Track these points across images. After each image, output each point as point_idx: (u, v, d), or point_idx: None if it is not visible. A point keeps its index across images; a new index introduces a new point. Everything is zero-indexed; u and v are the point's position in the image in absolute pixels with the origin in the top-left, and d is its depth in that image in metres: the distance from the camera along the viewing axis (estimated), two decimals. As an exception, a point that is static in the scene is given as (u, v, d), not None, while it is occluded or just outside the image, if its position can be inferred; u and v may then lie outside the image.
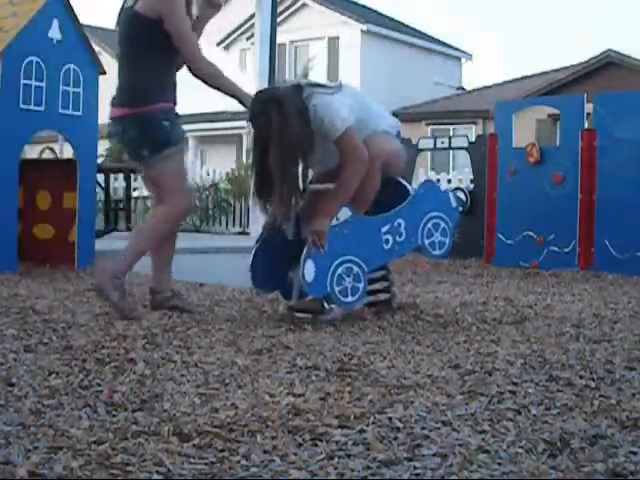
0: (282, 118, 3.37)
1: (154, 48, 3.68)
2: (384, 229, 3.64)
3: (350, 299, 3.53)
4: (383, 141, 3.64)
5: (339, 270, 3.49)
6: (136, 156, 3.81)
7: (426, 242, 3.76)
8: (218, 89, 3.85)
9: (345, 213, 3.54)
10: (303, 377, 2.45)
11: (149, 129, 3.68)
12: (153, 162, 3.71)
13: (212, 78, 3.83)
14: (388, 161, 3.64)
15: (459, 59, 27.66)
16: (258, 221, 10.38)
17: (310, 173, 3.70)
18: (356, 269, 3.53)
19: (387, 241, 3.65)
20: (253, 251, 3.75)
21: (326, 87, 3.60)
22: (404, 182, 3.85)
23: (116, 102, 3.76)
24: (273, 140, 3.37)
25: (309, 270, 3.42)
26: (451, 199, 3.90)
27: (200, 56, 3.80)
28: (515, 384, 2.39)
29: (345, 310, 3.71)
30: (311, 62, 23.18)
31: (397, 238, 3.67)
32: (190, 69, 3.82)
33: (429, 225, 3.76)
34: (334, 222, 3.51)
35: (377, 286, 3.89)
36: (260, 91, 3.65)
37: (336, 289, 3.48)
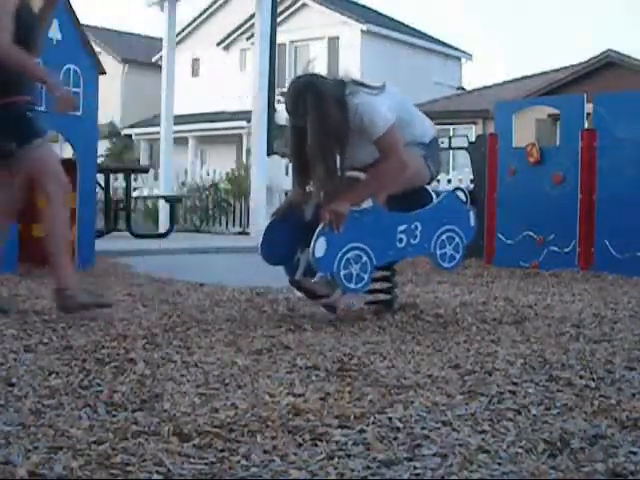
0: (318, 101, 3.43)
1: None
2: (401, 228, 3.66)
3: (353, 286, 3.53)
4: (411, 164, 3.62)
5: (349, 254, 3.50)
6: (3, 152, 3.63)
7: (438, 252, 3.78)
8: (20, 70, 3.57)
9: (367, 201, 3.55)
10: (303, 377, 2.45)
11: (15, 121, 3.57)
12: (24, 154, 3.58)
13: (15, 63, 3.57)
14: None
15: (459, 59, 27.67)
16: (258, 221, 10.40)
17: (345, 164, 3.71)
18: (365, 258, 3.54)
19: (401, 240, 3.67)
20: (268, 223, 3.82)
21: (370, 87, 3.62)
22: (429, 189, 3.87)
23: None
24: (310, 122, 3.43)
25: (320, 247, 3.44)
26: (471, 217, 3.90)
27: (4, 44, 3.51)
28: (515, 384, 2.39)
29: (345, 305, 3.72)
30: (312, 63, 23.17)
31: (411, 240, 3.69)
32: None
33: (444, 237, 3.78)
34: (355, 207, 3.53)
35: (377, 286, 3.89)
36: (298, 77, 3.69)
37: (342, 272, 3.48)
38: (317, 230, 3.45)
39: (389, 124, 3.51)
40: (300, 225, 3.74)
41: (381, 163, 3.54)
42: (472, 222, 3.91)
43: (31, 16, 3.70)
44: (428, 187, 3.90)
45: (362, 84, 3.62)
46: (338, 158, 3.54)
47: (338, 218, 3.46)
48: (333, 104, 3.46)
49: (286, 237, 3.76)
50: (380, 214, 3.60)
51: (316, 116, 3.42)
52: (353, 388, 2.30)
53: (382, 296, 3.93)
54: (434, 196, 3.84)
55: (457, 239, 3.82)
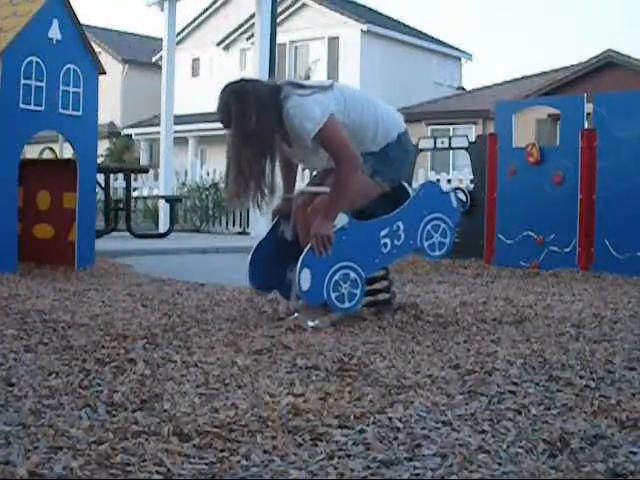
0: (240, 106, 3.30)
1: None
2: (383, 233, 3.61)
3: (347, 305, 3.50)
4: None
5: (336, 277, 3.46)
6: None
7: (425, 244, 3.73)
8: None
9: (343, 219, 3.49)
10: (303, 377, 2.45)
11: None
12: None
13: None
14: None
15: (459, 59, 27.68)
16: (258, 221, 10.39)
17: (277, 168, 3.56)
18: (353, 275, 3.50)
19: (385, 245, 3.62)
20: (251, 252, 3.75)
21: (305, 88, 3.46)
22: (404, 183, 3.81)
23: None
24: (232, 127, 3.33)
25: (305, 279, 3.39)
26: (452, 199, 3.84)
27: None
28: (515, 384, 2.39)
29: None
30: (314, 65, 23.20)
31: (395, 242, 3.64)
32: None
33: (428, 227, 3.73)
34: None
35: (377, 286, 3.89)
36: (228, 83, 3.50)
37: (332, 295, 3.45)
38: (299, 262, 3.39)
39: (320, 123, 3.33)
40: (283, 244, 3.68)
41: (335, 166, 3.42)
42: (454, 204, 3.84)
43: None
44: (404, 183, 3.83)
45: (298, 86, 3.47)
46: (268, 164, 3.37)
47: (324, 240, 3.40)
48: (261, 109, 3.30)
49: (272, 261, 3.70)
50: (359, 227, 3.54)
51: (239, 122, 3.30)
52: (353, 388, 2.30)
53: (382, 296, 3.92)
54: (410, 191, 3.78)
55: (443, 225, 3.77)
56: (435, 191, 3.85)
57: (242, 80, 3.50)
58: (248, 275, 3.71)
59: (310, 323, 3.41)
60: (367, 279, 3.63)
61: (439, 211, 3.77)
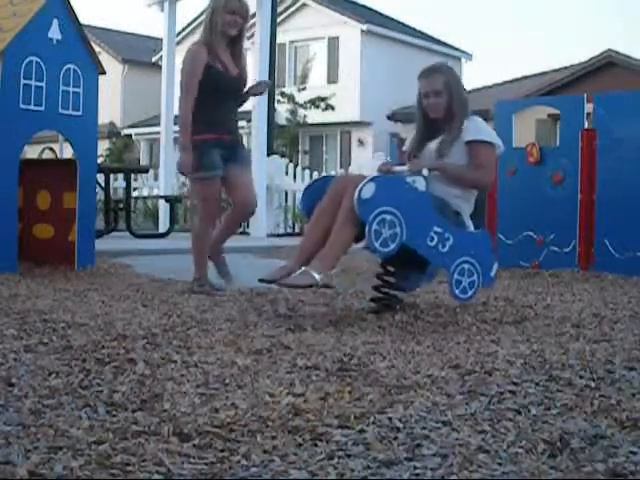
0: (459, 85, 3.97)
1: (199, 92, 4.59)
2: (436, 229, 3.62)
3: (376, 245, 3.45)
4: None
5: (387, 215, 3.44)
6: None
7: (455, 277, 3.72)
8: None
9: (422, 184, 3.55)
10: (303, 377, 2.45)
11: (197, 155, 4.54)
12: (192, 180, 4.74)
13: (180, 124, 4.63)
14: None
15: (459, 59, 27.66)
16: (258, 221, 10.39)
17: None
18: (398, 229, 3.48)
19: (432, 239, 3.62)
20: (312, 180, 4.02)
21: None
22: (464, 219, 3.88)
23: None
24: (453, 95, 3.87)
25: (368, 190, 3.41)
26: (494, 268, 3.89)
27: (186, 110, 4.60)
28: (515, 384, 2.39)
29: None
30: (310, 63, 23.19)
31: (439, 246, 3.64)
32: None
33: (465, 266, 3.73)
34: (409, 180, 3.57)
35: (378, 283, 3.89)
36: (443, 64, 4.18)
37: (374, 226, 3.42)
38: (370, 176, 3.44)
39: (495, 144, 3.86)
40: None
41: (471, 167, 3.79)
42: (493, 272, 3.88)
43: (219, 76, 4.71)
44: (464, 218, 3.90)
45: None
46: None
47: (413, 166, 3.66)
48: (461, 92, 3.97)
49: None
50: (425, 204, 3.58)
51: (459, 95, 3.91)
52: (353, 388, 2.30)
53: (384, 296, 3.93)
54: (470, 226, 3.86)
55: (475, 276, 3.77)
56: (487, 247, 3.90)
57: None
58: (302, 194, 3.94)
59: (316, 275, 3.42)
60: (375, 275, 3.66)
61: (480, 264, 3.79)
